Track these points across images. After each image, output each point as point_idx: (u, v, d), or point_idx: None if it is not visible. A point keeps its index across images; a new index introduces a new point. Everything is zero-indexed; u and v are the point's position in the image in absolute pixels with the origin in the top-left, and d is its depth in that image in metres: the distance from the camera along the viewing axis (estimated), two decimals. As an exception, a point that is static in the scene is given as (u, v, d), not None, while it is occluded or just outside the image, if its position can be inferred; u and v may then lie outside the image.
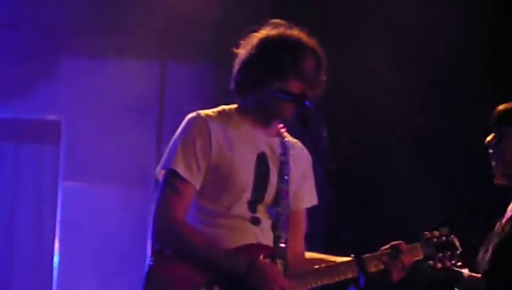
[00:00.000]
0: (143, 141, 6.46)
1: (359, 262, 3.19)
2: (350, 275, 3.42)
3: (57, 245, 6.68)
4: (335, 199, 3.07)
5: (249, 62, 3.43)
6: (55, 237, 6.69)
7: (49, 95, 6.62)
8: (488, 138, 4.08)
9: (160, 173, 3.44)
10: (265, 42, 3.42)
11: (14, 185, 6.89)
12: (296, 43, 3.40)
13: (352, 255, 3.33)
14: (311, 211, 3.63)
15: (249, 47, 3.45)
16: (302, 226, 3.59)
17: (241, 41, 3.49)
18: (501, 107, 4.09)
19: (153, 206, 3.40)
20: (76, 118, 6.65)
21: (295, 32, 3.44)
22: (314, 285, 3.44)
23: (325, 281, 3.45)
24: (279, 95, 3.35)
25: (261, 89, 3.40)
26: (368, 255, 3.48)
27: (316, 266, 3.47)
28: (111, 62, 6.55)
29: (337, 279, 3.45)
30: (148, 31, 6.11)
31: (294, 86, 3.37)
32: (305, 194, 3.58)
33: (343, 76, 5.21)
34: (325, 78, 3.44)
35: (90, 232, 6.56)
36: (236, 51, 3.48)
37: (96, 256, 6.54)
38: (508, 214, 4.05)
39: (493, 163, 4.07)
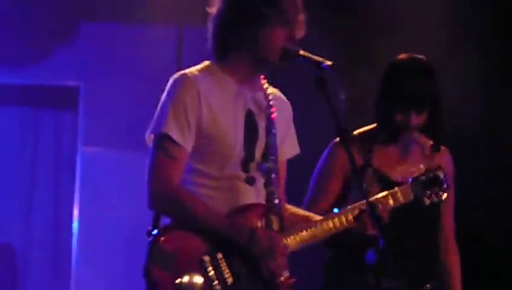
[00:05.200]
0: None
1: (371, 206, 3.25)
2: (355, 213, 3.41)
3: (76, 210, 6.72)
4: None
5: (226, 18, 3.32)
6: (74, 202, 6.73)
7: (68, 61, 6.65)
8: None
9: (150, 137, 3.32)
10: None
11: (33, 150, 6.95)
12: None
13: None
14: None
15: (220, 4, 3.33)
16: (283, 177, 3.52)
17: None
18: None
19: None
20: (94, 83, 6.67)
21: None
22: (312, 239, 3.38)
23: (322, 234, 3.40)
24: (298, 59, 3.28)
25: (244, 42, 3.30)
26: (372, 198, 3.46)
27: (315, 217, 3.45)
28: (129, 27, 6.56)
29: (337, 224, 3.41)
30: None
31: (280, 34, 3.28)
32: (287, 144, 3.51)
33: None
34: (304, 16, 3.34)
35: (109, 197, 6.59)
36: (208, 10, 3.36)
37: (115, 221, 6.57)
38: None
39: None
